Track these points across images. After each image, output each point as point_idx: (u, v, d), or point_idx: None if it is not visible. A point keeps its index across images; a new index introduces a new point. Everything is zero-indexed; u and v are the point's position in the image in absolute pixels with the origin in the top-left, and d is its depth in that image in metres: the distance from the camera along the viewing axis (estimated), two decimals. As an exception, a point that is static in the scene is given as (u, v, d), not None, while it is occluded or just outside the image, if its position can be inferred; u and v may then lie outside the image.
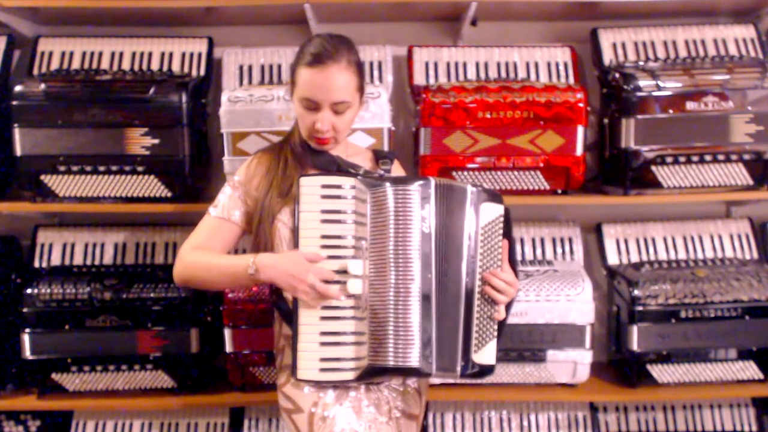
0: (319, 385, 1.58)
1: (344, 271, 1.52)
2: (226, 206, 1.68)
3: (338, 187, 1.54)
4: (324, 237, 1.53)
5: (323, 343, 1.51)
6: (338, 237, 1.53)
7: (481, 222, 1.58)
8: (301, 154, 1.69)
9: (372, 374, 1.52)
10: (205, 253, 1.64)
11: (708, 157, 2.21)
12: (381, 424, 1.58)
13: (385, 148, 2.13)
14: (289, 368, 1.59)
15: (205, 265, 1.62)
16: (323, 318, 1.52)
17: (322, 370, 1.51)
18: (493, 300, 1.58)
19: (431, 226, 1.53)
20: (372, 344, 1.50)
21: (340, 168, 1.65)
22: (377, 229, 1.52)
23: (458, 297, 1.56)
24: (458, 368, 1.55)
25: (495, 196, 1.62)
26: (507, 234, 1.63)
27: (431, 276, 1.52)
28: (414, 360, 1.49)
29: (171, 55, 2.43)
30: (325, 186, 1.54)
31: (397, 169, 1.83)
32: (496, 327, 1.60)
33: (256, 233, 1.65)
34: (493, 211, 1.60)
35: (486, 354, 1.59)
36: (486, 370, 1.59)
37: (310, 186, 1.54)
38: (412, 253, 1.51)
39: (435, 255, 1.53)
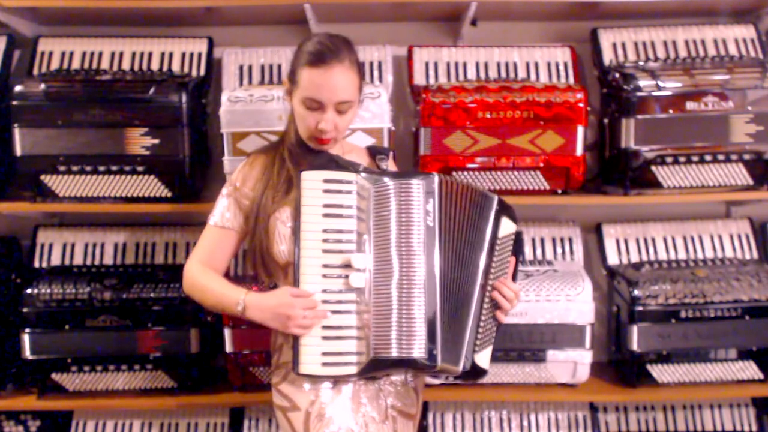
0: (320, 379, 1.57)
1: (347, 265, 1.52)
2: (223, 214, 1.68)
3: (340, 181, 1.55)
4: (326, 231, 1.53)
5: (325, 337, 1.51)
6: (340, 231, 1.53)
7: (500, 233, 1.63)
8: (298, 155, 1.67)
9: (375, 367, 1.51)
10: (207, 273, 1.64)
11: (708, 157, 2.21)
12: (377, 424, 1.58)
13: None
14: (285, 366, 1.59)
15: (203, 288, 1.63)
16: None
17: (324, 364, 1.51)
18: (500, 306, 1.62)
19: (435, 220, 1.53)
20: (375, 337, 1.50)
21: (340, 166, 1.64)
22: (380, 223, 1.53)
23: (470, 295, 1.57)
24: (461, 365, 1.55)
25: (513, 214, 1.69)
26: (516, 253, 1.68)
27: (435, 269, 1.52)
28: (418, 351, 1.48)
29: (171, 55, 2.43)
30: (327, 180, 1.55)
31: (391, 167, 1.82)
32: (495, 333, 1.64)
33: (252, 234, 1.65)
34: (510, 227, 1.66)
35: (484, 357, 1.60)
36: (481, 372, 1.60)
37: (312, 180, 1.54)
38: (415, 245, 1.51)
39: (440, 249, 1.53)
